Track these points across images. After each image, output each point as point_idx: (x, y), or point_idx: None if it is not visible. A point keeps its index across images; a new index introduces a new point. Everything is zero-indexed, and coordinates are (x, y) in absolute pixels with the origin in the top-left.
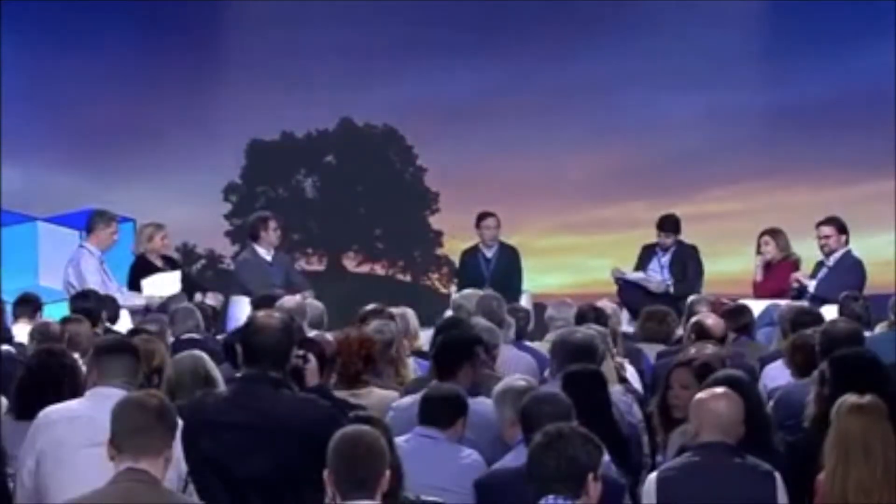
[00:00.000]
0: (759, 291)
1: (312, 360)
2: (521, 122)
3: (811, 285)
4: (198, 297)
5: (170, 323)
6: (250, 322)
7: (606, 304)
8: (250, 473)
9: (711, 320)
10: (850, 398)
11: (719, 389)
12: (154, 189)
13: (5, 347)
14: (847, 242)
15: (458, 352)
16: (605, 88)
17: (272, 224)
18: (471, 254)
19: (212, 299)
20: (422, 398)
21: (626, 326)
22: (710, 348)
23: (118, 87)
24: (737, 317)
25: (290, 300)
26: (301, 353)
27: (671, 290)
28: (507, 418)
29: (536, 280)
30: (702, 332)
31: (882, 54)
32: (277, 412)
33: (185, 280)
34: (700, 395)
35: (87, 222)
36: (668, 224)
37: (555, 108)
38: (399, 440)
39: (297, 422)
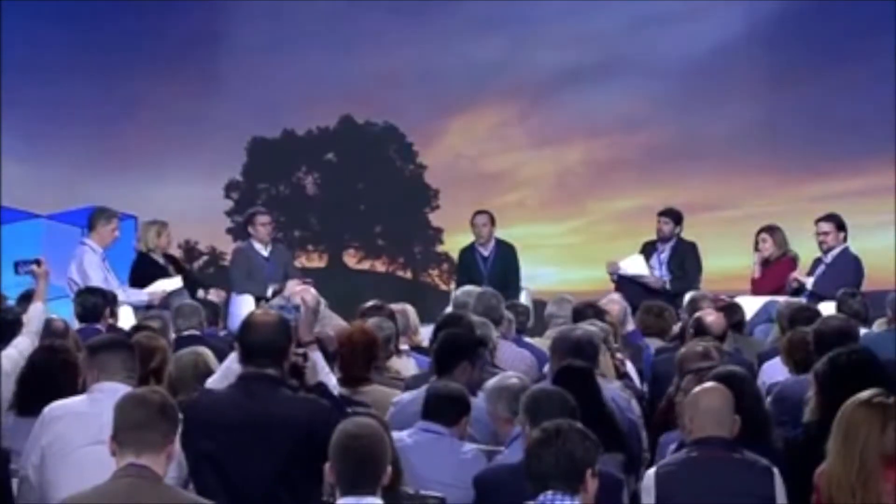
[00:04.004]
0: (758, 288)
1: (312, 359)
2: None
3: (809, 282)
4: (200, 293)
5: (172, 319)
6: (247, 321)
7: (615, 300)
8: (248, 472)
9: (712, 317)
10: (864, 393)
11: (709, 384)
12: (156, 186)
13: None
14: (845, 239)
15: (458, 349)
16: None
17: (259, 219)
18: (468, 252)
19: (214, 296)
20: (427, 394)
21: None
22: (700, 346)
23: (120, 85)
24: (729, 314)
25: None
26: (301, 351)
27: (667, 286)
28: (501, 415)
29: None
30: (701, 329)
31: (883, 51)
32: (275, 411)
33: (187, 277)
34: (692, 392)
35: (88, 220)
36: (668, 211)
37: None
38: (402, 434)
39: (296, 420)
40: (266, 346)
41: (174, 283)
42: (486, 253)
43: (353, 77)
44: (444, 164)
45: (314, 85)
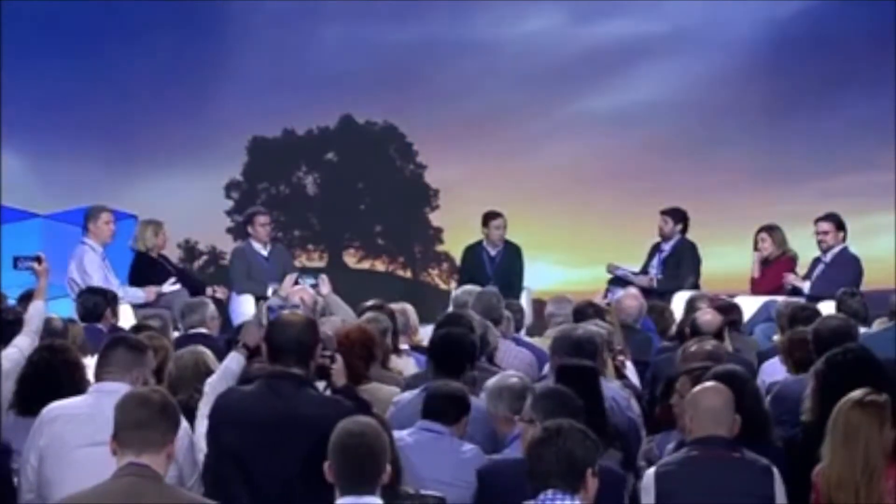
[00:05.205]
0: (757, 288)
1: (339, 360)
2: None
3: (805, 286)
4: (209, 291)
5: (180, 317)
6: (276, 320)
7: (633, 294)
8: (269, 469)
9: (707, 317)
10: (855, 393)
11: (710, 383)
12: (156, 186)
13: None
14: (844, 239)
15: (465, 351)
16: None
17: (259, 220)
18: (474, 251)
19: (221, 293)
20: (428, 394)
21: None
22: (709, 345)
23: (122, 85)
24: (726, 314)
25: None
26: (329, 353)
27: (654, 284)
28: (501, 415)
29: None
30: (695, 329)
31: (882, 58)
32: (298, 410)
33: (181, 276)
34: (693, 391)
35: (83, 220)
36: (670, 210)
37: None
38: (402, 434)
39: (318, 421)
40: (292, 345)
41: (171, 286)
42: (493, 253)
43: (355, 74)
44: (451, 160)
45: (315, 84)
